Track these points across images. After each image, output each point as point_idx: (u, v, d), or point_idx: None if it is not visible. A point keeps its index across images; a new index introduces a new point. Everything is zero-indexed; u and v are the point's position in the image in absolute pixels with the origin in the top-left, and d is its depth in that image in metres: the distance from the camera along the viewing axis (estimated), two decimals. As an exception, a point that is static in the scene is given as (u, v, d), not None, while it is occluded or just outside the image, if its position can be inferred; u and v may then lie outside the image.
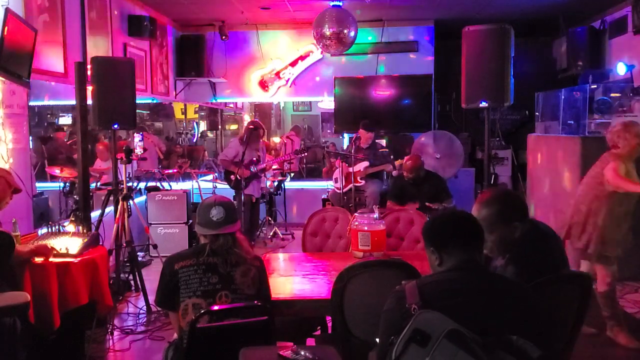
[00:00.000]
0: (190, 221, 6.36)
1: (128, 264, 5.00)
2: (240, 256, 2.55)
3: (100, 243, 3.73)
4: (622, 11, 6.61)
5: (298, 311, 2.82)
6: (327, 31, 6.79)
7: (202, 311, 2.40)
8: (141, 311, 4.58)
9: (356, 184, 6.27)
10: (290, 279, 3.15)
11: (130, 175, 6.12)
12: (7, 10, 3.84)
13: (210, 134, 11.17)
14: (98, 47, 5.65)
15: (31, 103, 4.90)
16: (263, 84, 8.25)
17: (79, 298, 3.27)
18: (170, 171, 7.45)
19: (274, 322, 2.47)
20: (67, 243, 3.42)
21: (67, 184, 5.63)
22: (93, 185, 5.71)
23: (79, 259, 3.33)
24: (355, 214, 3.53)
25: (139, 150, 6.68)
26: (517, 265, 2.24)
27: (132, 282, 5.01)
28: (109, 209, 4.99)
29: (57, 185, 5.85)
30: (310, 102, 11.40)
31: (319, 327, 3.27)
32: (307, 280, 3.11)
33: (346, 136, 8.35)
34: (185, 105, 9.99)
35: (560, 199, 5.71)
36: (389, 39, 7.98)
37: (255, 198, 6.74)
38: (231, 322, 2.41)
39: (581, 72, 7.24)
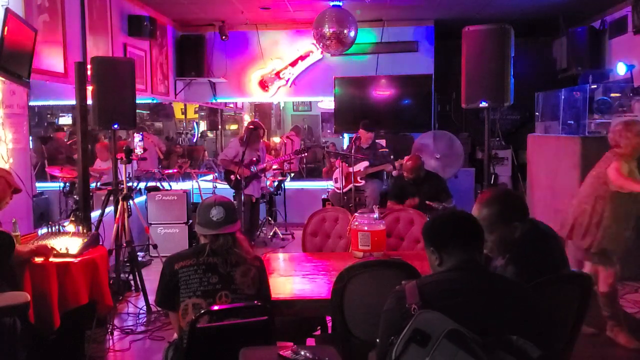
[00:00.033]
0: (190, 221, 6.36)
1: (128, 264, 5.00)
2: (240, 256, 2.55)
3: (100, 243, 3.73)
4: (622, 11, 6.61)
5: (298, 311, 2.82)
6: (327, 31, 6.79)
7: (202, 311, 2.40)
8: (141, 311, 4.58)
9: (356, 184, 6.27)
10: (290, 279, 3.15)
11: (130, 175, 6.12)
12: (7, 10, 3.84)
13: (210, 134, 11.17)
14: (98, 47, 5.65)
15: (31, 103, 4.90)
16: (263, 84, 8.25)
17: (79, 298, 3.27)
18: (170, 171, 7.45)
19: (274, 322, 2.47)
20: (67, 243, 3.42)
21: (67, 184, 5.63)
22: (93, 185, 5.71)
23: (79, 259, 3.33)
24: (355, 214, 3.53)
25: (139, 150, 6.68)
26: (517, 265, 2.24)
27: (132, 282, 5.01)
28: (109, 209, 4.99)
29: (57, 185, 5.86)
30: (310, 102, 11.40)
31: (319, 327, 3.27)
32: (307, 280, 3.11)
33: (346, 136, 8.35)
34: (185, 105, 9.99)
35: (560, 199, 5.70)
36: (389, 39, 7.98)
37: (255, 198, 6.74)
38: (231, 322, 2.41)
39: (581, 72, 7.24)
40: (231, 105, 10.09)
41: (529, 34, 8.16)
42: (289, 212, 7.95)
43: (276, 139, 10.65)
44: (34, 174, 4.95)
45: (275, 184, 7.64)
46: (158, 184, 7.03)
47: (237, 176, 6.33)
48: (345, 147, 8.16)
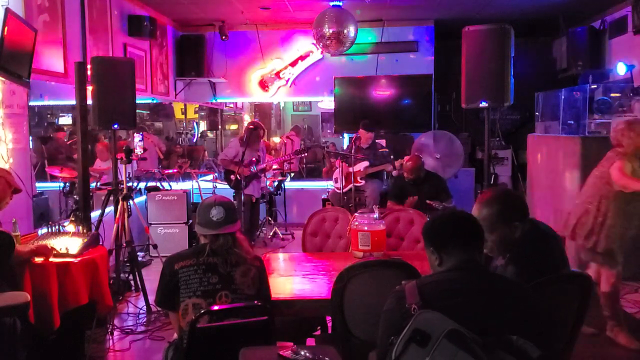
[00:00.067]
0: (190, 221, 6.36)
1: (128, 264, 5.00)
2: (240, 256, 2.55)
3: (100, 243, 3.74)
4: (622, 11, 6.61)
5: (298, 311, 2.82)
6: (327, 31, 6.79)
7: (202, 311, 2.40)
8: (141, 311, 4.58)
9: (356, 184, 6.27)
10: (290, 279, 3.15)
11: (130, 175, 6.12)
12: (7, 10, 3.84)
13: (210, 134, 11.17)
14: (98, 47, 5.65)
15: (31, 103, 4.90)
16: (263, 84, 8.25)
17: (79, 298, 3.27)
18: (170, 171, 7.45)
19: (274, 322, 2.47)
20: (67, 243, 3.42)
21: (67, 184, 5.63)
22: (93, 185, 5.71)
23: (79, 259, 3.33)
24: (355, 214, 3.53)
25: (139, 150, 6.68)
26: (517, 265, 2.24)
27: (132, 282, 5.01)
28: (109, 209, 4.99)
29: (57, 185, 5.85)
30: (310, 102, 11.40)
31: (319, 327, 3.27)
32: (307, 280, 3.11)
33: (346, 136, 8.34)
34: (185, 105, 9.99)
35: (560, 199, 5.71)
36: (389, 39, 7.98)
37: (255, 198, 6.74)
38: (231, 322, 2.41)
39: (581, 72, 7.24)
40: (231, 105, 10.09)
41: (529, 34, 8.16)
42: (289, 212, 7.96)
43: (276, 139, 10.65)
44: (34, 174, 4.95)
45: (275, 184, 7.65)
46: (158, 184, 7.03)
47: (237, 176, 6.34)
48: (345, 147, 8.16)
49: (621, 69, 6.45)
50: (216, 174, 8.28)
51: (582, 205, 3.95)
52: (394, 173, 6.27)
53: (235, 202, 6.14)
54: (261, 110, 11.35)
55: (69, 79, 4.98)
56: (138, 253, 5.29)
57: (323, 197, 7.00)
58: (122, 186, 4.84)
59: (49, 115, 7.99)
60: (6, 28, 3.76)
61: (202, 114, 10.84)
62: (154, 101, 8.28)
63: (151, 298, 4.05)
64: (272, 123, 11.68)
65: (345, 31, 6.80)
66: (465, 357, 1.52)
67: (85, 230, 3.91)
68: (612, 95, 5.72)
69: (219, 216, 2.51)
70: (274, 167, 7.44)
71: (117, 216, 4.70)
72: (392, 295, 1.85)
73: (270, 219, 7.54)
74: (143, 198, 6.55)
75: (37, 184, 5.22)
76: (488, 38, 4.30)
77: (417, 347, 1.59)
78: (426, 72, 7.88)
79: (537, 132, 6.78)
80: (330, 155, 7.28)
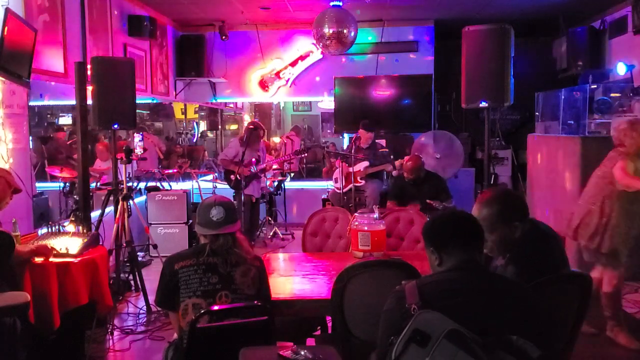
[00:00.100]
0: (190, 221, 6.36)
1: (128, 264, 5.00)
2: (240, 256, 2.55)
3: (100, 243, 3.73)
4: (622, 11, 6.61)
5: (298, 311, 2.82)
6: (327, 31, 6.79)
7: (202, 311, 2.40)
8: (141, 311, 4.58)
9: (356, 184, 6.27)
10: (290, 279, 3.15)
11: (130, 175, 6.12)
12: (7, 10, 3.84)
13: (210, 134, 11.17)
14: (98, 47, 5.66)
15: (31, 103, 4.90)
16: (263, 84, 8.25)
17: (79, 298, 3.27)
18: (170, 171, 7.45)
19: (274, 322, 2.47)
20: (67, 243, 3.42)
21: (67, 184, 5.63)
22: (93, 185, 5.71)
23: (79, 259, 3.33)
24: (355, 214, 3.53)
25: (139, 150, 6.68)
26: (517, 265, 2.24)
27: (132, 282, 5.01)
28: (109, 209, 4.99)
29: (57, 185, 5.86)
30: (310, 102, 11.40)
31: (319, 327, 3.27)
32: (307, 280, 3.11)
33: (346, 136, 8.35)
34: (185, 105, 9.99)
35: (560, 199, 5.71)
36: (389, 39, 7.98)
37: (255, 198, 6.74)
38: (231, 322, 2.41)
39: (581, 72, 7.24)
40: (231, 105, 10.09)
41: (529, 34, 8.16)
42: (289, 212, 7.96)
43: (276, 139, 10.65)
44: (34, 174, 4.95)
45: (275, 184, 7.65)
46: (158, 184, 7.03)
47: (237, 176, 6.34)
48: (345, 147, 8.16)
49: (621, 69, 6.45)
50: (216, 174, 8.28)
51: (585, 205, 3.94)
52: (394, 173, 6.27)
53: (235, 202, 6.14)
54: (261, 110, 11.35)
55: (69, 79, 4.98)
56: (138, 253, 5.29)
57: (323, 197, 7.00)
58: (122, 186, 4.84)
59: (49, 115, 7.99)
60: (6, 28, 3.76)
61: (202, 114, 10.84)
62: (154, 101, 8.28)
63: (151, 298, 4.05)
64: (272, 123, 11.68)
65: (345, 31, 6.80)
66: (465, 357, 1.51)
67: (85, 230, 3.91)
68: (612, 95, 5.72)
69: (219, 216, 2.51)
70: (274, 167, 7.45)
71: (117, 216, 4.70)
72: (392, 295, 1.85)
73: (270, 219, 7.54)
74: (143, 198, 6.55)
75: (37, 184, 5.22)
76: (488, 38, 4.30)
77: (417, 347, 1.59)
78: (426, 72, 7.88)
79: (537, 132, 6.78)
80: (330, 155, 7.29)
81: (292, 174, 8.92)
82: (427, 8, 7.27)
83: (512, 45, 4.28)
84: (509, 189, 6.67)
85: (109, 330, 4.05)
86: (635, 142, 3.69)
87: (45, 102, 7.01)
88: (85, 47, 5.32)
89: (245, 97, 8.74)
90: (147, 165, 7.17)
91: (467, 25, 4.40)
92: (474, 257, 1.87)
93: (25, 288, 3.07)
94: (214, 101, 8.58)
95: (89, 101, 4.46)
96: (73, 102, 4.44)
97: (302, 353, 2.01)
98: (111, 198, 4.86)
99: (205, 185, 7.55)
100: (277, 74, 8.20)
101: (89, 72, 4.56)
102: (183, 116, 10.55)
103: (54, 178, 6.03)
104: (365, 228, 3.33)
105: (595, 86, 5.91)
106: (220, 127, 10.45)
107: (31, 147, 4.87)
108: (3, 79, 4.02)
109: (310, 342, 3.09)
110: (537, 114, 6.87)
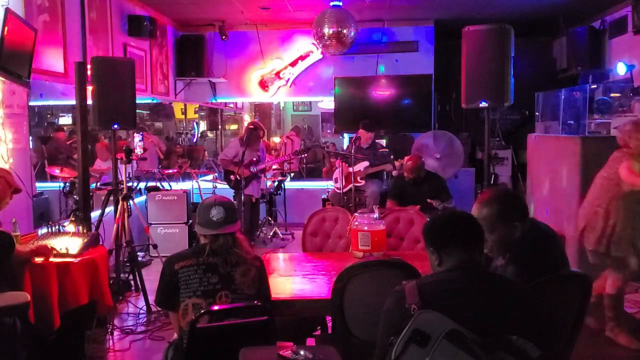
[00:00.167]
0: (190, 221, 6.36)
1: (128, 264, 5.00)
2: (240, 256, 2.55)
3: (100, 243, 3.74)
4: (622, 11, 6.61)
5: (298, 311, 2.82)
6: (327, 31, 6.79)
7: (202, 311, 2.40)
8: (141, 311, 4.58)
9: (356, 184, 6.27)
10: (290, 279, 3.15)
11: (130, 175, 6.12)
12: (7, 10, 3.84)
13: (210, 134, 11.17)
14: (98, 47, 5.65)
15: (31, 103, 4.90)
16: (263, 84, 8.25)
17: (79, 298, 3.27)
18: (170, 171, 7.45)
19: (274, 322, 2.47)
20: (67, 243, 3.42)
21: (67, 184, 5.63)
22: (93, 185, 5.71)
23: (79, 259, 3.33)
24: (355, 214, 3.53)
25: (139, 150, 6.68)
26: (518, 265, 2.24)
27: (132, 282, 5.01)
28: (109, 209, 4.99)
29: (57, 185, 5.85)
30: (310, 102, 11.41)
31: (319, 327, 3.27)
32: (307, 280, 3.11)
33: (346, 136, 8.35)
34: (185, 105, 10.00)
35: (560, 199, 5.70)
36: (389, 39, 7.98)
37: (255, 198, 6.74)
38: (231, 322, 2.41)
39: (581, 72, 7.24)
40: (231, 105, 10.09)
41: (529, 34, 8.16)
42: (289, 212, 7.95)
43: (276, 139, 10.65)
44: (34, 174, 4.95)
45: (275, 184, 7.64)
46: (158, 184, 7.03)
47: (237, 176, 6.34)
48: (345, 147, 8.17)
49: (621, 69, 6.45)
50: (216, 174, 8.28)
51: (590, 207, 3.91)
52: (394, 173, 6.27)
53: (235, 202, 6.14)
54: (261, 110, 11.35)
55: (69, 79, 4.98)
56: (138, 253, 5.29)
57: (323, 197, 7.00)
58: (122, 186, 4.84)
59: (49, 115, 7.99)
60: (6, 28, 3.76)
61: (202, 114, 10.84)
62: (154, 101, 8.28)
63: (151, 298, 4.05)
64: (272, 123, 11.69)
65: (345, 31, 6.80)
66: (465, 357, 1.51)
67: (85, 230, 3.91)
68: (612, 95, 5.71)
69: (219, 216, 2.52)
70: (274, 167, 7.45)
71: (117, 216, 4.70)
72: (392, 295, 1.85)
73: (270, 219, 7.54)
74: (143, 198, 6.55)
75: (37, 184, 5.23)
76: (488, 38, 4.30)
77: (416, 347, 1.59)
78: (426, 72, 7.88)
79: (537, 132, 6.77)
80: (330, 155, 7.29)
81: (292, 174, 8.92)
82: (427, 8, 7.27)
83: (512, 45, 4.28)
84: (509, 189, 6.66)
85: (109, 330, 4.05)
86: None
87: (45, 102, 7.01)
88: (85, 47, 5.32)
89: (245, 97, 8.75)
90: (147, 165, 7.17)
91: (467, 25, 4.40)
92: (474, 257, 1.87)
93: (25, 288, 3.07)
94: (214, 101, 8.59)
95: (89, 101, 4.46)
96: (73, 102, 4.44)
97: (302, 353, 2.01)
98: (111, 198, 4.86)
99: (205, 185, 7.55)
100: (277, 74, 8.20)
101: (89, 72, 4.56)
102: (183, 116, 10.55)
103: (54, 178, 6.03)
104: (365, 228, 3.33)
105: (595, 86, 5.90)
106: (220, 127, 10.46)
107: (31, 147, 4.87)
108: (3, 79, 4.02)
109: (310, 342, 3.10)
110: (537, 114, 6.86)
